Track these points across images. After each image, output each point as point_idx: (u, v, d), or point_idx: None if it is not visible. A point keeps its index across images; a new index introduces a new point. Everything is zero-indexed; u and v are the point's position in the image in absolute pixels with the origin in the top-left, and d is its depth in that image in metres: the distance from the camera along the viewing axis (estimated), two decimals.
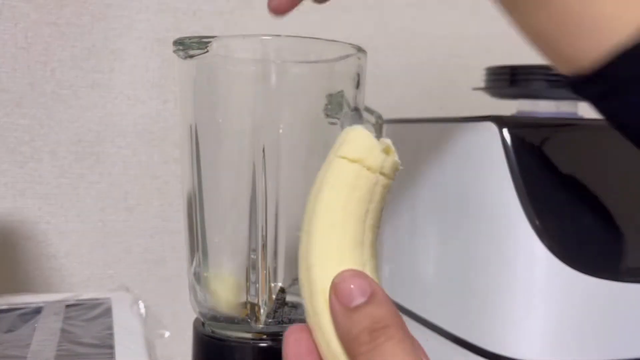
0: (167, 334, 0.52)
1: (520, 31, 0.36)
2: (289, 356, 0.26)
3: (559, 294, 0.48)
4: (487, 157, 0.50)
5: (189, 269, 0.52)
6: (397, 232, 0.63)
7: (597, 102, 0.34)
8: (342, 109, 0.49)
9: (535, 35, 0.35)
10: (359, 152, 0.28)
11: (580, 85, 0.34)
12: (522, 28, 0.35)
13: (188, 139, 0.50)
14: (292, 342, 0.26)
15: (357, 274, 0.25)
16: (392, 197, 0.58)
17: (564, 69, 0.35)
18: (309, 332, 0.27)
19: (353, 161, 0.28)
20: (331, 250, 0.26)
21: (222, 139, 0.50)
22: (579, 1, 0.31)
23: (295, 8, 0.32)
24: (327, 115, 0.49)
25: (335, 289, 0.25)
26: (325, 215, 0.27)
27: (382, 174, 0.28)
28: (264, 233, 0.48)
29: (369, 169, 0.28)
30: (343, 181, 0.27)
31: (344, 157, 0.28)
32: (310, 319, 0.26)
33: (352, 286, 0.25)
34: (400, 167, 0.29)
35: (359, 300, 0.24)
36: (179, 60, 0.48)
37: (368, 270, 0.26)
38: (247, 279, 0.49)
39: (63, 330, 0.47)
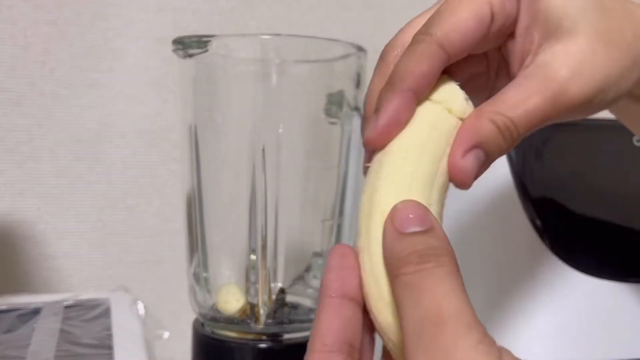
0: (166, 334, 0.52)
1: None
2: (332, 267, 0.25)
3: (559, 294, 0.47)
4: None
5: (189, 269, 0.52)
6: None
7: None
8: (342, 108, 0.49)
9: None
10: (442, 94, 0.28)
11: None
12: None
13: (188, 138, 0.50)
14: (338, 256, 0.26)
15: (420, 206, 0.24)
16: None
17: None
18: (355, 252, 0.26)
19: (436, 102, 0.28)
20: (400, 180, 0.26)
21: (222, 139, 0.50)
22: None
23: None
24: (327, 115, 0.49)
25: (393, 213, 0.24)
26: (401, 148, 0.27)
27: (461, 119, 0.28)
28: (264, 233, 0.48)
29: (450, 111, 0.28)
30: (424, 119, 0.27)
31: (428, 99, 0.28)
32: (361, 241, 0.26)
33: (410, 215, 0.24)
34: None
35: (414, 228, 0.23)
36: (179, 60, 0.48)
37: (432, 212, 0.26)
38: (247, 279, 0.49)
39: (62, 331, 0.46)
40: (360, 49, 0.50)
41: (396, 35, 0.31)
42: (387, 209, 0.25)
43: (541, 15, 0.28)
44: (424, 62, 0.27)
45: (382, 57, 0.31)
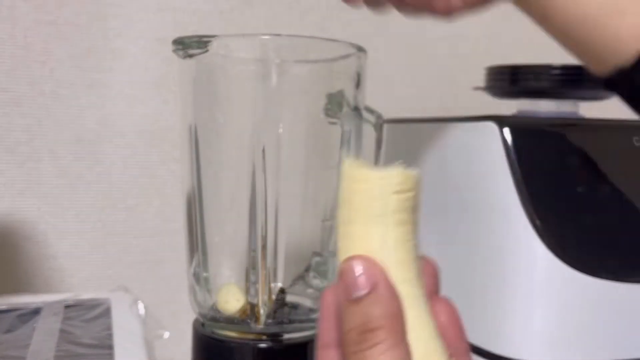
0: (166, 334, 0.52)
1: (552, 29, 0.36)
2: (319, 317, 0.26)
3: (559, 294, 0.47)
4: (488, 157, 0.50)
5: (189, 269, 0.52)
6: None
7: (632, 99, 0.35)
8: (342, 108, 0.49)
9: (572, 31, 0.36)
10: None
11: (614, 80, 0.34)
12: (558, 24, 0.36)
13: (188, 139, 0.50)
14: (324, 305, 0.26)
15: (361, 261, 0.24)
16: None
17: (597, 65, 0.35)
18: None
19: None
20: (351, 210, 0.25)
21: (222, 139, 0.50)
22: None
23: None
24: (327, 115, 0.49)
25: (340, 277, 0.24)
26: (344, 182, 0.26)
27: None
28: (264, 233, 0.48)
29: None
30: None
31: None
32: None
33: (356, 273, 0.23)
34: None
35: (358, 292, 0.23)
36: (179, 60, 0.48)
37: (392, 224, 0.24)
38: (247, 279, 0.49)
39: (62, 331, 0.46)
40: (360, 49, 0.50)
41: None
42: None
43: None
44: None
45: None
